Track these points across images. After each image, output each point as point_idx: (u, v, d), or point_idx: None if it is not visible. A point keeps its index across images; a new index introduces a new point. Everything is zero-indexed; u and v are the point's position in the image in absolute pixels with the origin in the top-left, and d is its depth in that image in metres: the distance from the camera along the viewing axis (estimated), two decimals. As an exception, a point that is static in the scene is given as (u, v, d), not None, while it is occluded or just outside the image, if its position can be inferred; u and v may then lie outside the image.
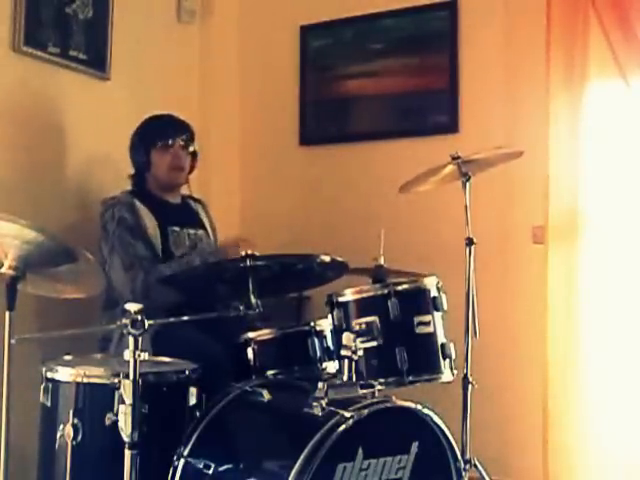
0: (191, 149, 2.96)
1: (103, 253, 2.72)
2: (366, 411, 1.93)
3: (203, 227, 3.02)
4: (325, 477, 1.86)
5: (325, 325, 2.49)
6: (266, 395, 2.15)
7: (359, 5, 3.64)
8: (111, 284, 2.67)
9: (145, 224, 2.77)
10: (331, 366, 2.45)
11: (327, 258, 2.25)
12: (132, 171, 2.94)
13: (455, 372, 2.46)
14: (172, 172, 2.91)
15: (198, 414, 2.17)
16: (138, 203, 2.79)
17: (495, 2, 3.36)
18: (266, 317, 2.20)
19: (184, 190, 3.04)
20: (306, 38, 3.80)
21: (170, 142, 2.89)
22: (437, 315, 2.44)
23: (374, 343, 2.33)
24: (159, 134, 2.89)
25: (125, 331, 1.77)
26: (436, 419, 2.03)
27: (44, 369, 2.18)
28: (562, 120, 3.13)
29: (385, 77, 3.63)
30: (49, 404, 2.15)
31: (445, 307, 2.46)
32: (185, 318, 2.13)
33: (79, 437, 2.07)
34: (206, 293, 2.44)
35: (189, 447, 2.08)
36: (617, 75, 3.05)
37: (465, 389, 2.74)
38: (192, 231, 2.93)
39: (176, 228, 2.87)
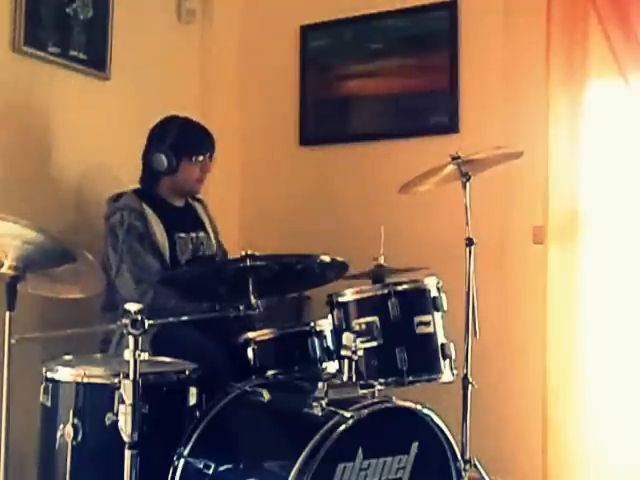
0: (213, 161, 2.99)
1: (110, 259, 2.71)
2: (366, 411, 1.93)
3: (204, 229, 3.02)
4: (325, 477, 1.86)
5: (325, 325, 2.49)
6: (266, 395, 2.15)
7: (359, 5, 3.64)
8: (118, 291, 2.67)
9: (154, 232, 2.76)
10: (331, 366, 2.46)
11: (327, 258, 2.25)
12: (137, 168, 2.94)
13: (455, 372, 2.46)
14: (198, 183, 2.96)
15: (198, 414, 2.17)
16: (146, 208, 2.78)
17: (495, 2, 3.36)
18: (261, 318, 2.20)
19: None
20: (306, 38, 3.80)
21: (202, 157, 2.91)
22: (437, 315, 2.45)
23: (374, 343, 2.33)
24: (196, 147, 2.90)
25: (125, 331, 1.77)
26: (436, 419, 2.03)
27: (44, 369, 2.18)
28: (562, 120, 3.13)
29: (385, 77, 3.62)
30: (49, 404, 2.15)
31: (445, 307, 2.46)
32: (185, 318, 2.13)
33: (79, 437, 2.07)
34: (206, 293, 2.44)
35: (189, 447, 2.08)
36: (617, 75, 3.05)
37: (465, 389, 2.74)
38: (194, 235, 2.94)
39: (182, 234, 2.88)
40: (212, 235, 3.05)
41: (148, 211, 2.79)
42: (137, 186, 2.92)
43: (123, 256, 2.68)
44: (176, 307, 2.48)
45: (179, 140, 2.87)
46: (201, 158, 2.91)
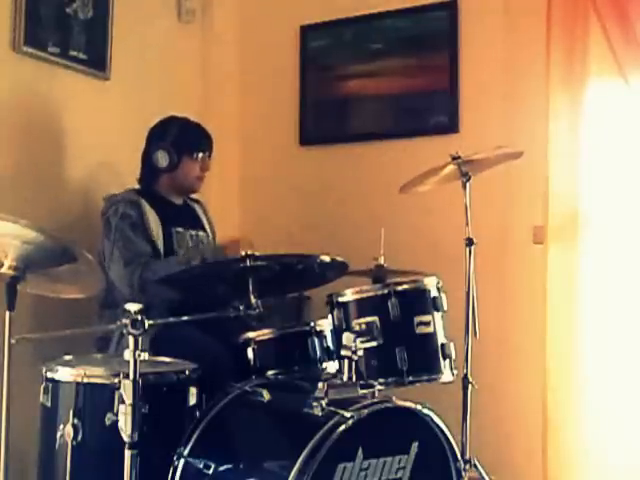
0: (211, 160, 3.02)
1: (104, 247, 2.73)
2: (366, 411, 1.93)
3: (203, 228, 3.04)
4: (325, 477, 1.86)
5: (325, 325, 2.49)
6: (266, 395, 2.15)
7: (359, 5, 3.64)
8: (110, 278, 2.68)
9: (149, 223, 2.77)
10: (331, 366, 2.45)
11: (327, 258, 2.25)
12: (137, 168, 2.94)
13: (455, 372, 2.46)
14: (197, 181, 2.97)
15: (198, 414, 2.17)
16: (143, 201, 2.80)
17: (495, 2, 3.36)
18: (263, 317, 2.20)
19: None
20: (306, 38, 3.80)
21: (202, 155, 2.94)
22: (437, 315, 2.44)
23: (374, 343, 2.33)
24: (197, 144, 2.94)
25: (125, 331, 1.77)
26: (436, 419, 2.03)
27: (44, 369, 2.18)
28: (562, 120, 3.13)
29: (385, 77, 3.62)
30: (49, 404, 2.15)
31: (445, 307, 2.46)
32: (185, 318, 2.12)
33: (79, 437, 2.07)
34: (206, 293, 2.43)
35: (189, 447, 2.08)
36: (617, 75, 3.05)
37: (465, 389, 2.74)
38: (194, 232, 2.95)
39: (180, 229, 2.89)
40: (211, 237, 3.06)
41: (144, 204, 2.80)
42: (135, 186, 2.93)
43: (116, 241, 2.70)
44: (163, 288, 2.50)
45: (180, 137, 2.90)
46: (201, 155, 2.94)
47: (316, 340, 2.47)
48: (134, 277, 2.64)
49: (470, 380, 2.74)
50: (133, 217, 2.74)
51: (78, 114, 3.06)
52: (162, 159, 2.87)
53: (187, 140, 2.91)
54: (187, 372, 2.22)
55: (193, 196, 3.11)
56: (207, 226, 3.07)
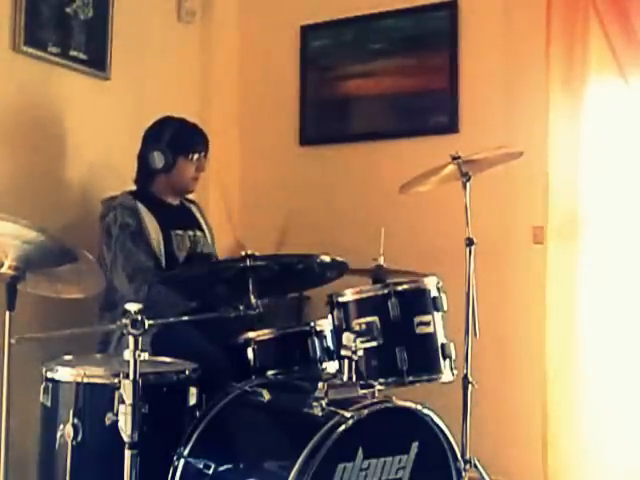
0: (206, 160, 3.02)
1: (106, 257, 2.72)
2: (366, 411, 1.93)
3: (200, 228, 3.04)
4: (325, 477, 1.86)
5: (325, 325, 2.50)
6: (266, 395, 2.15)
7: (359, 5, 3.64)
8: (116, 288, 2.67)
9: (148, 230, 2.77)
10: (331, 366, 2.46)
11: (327, 258, 2.25)
12: (135, 168, 2.94)
13: (455, 372, 2.46)
14: (193, 181, 2.97)
15: (198, 414, 2.17)
16: (141, 206, 2.79)
17: (495, 2, 3.36)
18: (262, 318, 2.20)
19: None
20: (306, 38, 3.80)
21: (198, 155, 2.94)
22: (437, 315, 2.44)
23: (374, 343, 2.33)
24: (193, 145, 2.94)
25: (125, 331, 1.77)
26: (436, 419, 2.03)
27: (44, 369, 2.17)
28: (562, 120, 3.13)
29: (385, 77, 3.63)
30: (49, 404, 2.15)
31: (445, 307, 2.46)
32: (185, 318, 2.12)
33: (79, 437, 2.07)
34: (206, 293, 2.43)
35: (189, 447, 2.08)
36: (617, 74, 3.05)
37: (465, 389, 2.74)
38: (192, 233, 2.95)
39: (179, 231, 2.89)
40: (209, 237, 3.06)
41: (142, 209, 2.79)
42: (132, 188, 2.93)
43: (117, 255, 2.70)
44: (172, 302, 2.49)
45: (176, 138, 2.90)
46: (197, 156, 2.94)
47: (316, 340, 2.47)
48: (140, 295, 2.62)
49: (470, 380, 2.74)
50: (132, 226, 2.73)
51: (78, 114, 3.07)
52: (157, 160, 2.87)
53: (182, 141, 2.91)
54: (187, 372, 2.22)
55: (189, 197, 3.11)
56: (204, 226, 3.07)
